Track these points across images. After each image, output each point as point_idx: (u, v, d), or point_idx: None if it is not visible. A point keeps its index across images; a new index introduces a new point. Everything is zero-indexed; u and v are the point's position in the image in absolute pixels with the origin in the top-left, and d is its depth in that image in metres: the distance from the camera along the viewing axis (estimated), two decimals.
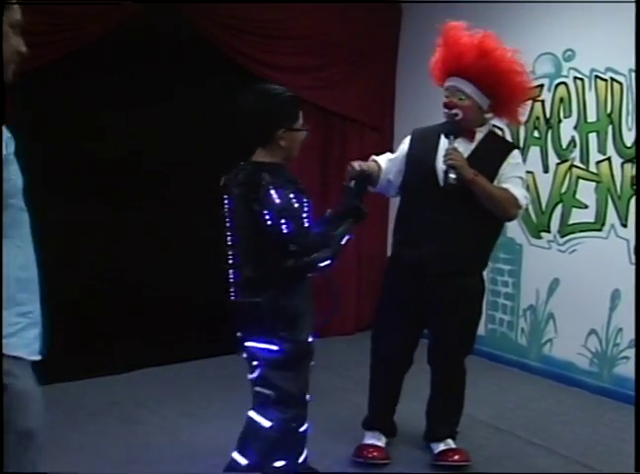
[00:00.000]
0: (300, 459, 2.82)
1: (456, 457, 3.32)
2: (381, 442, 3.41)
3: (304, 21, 4.89)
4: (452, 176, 3.02)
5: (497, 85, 3.11)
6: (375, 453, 3.32)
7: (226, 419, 3.78)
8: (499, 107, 3.24)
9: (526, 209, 4.66)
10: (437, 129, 3.24)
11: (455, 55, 3.09)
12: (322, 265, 2.62)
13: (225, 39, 4.48)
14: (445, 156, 3.05)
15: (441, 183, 3.10)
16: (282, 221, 2.52)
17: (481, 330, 4.92)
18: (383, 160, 3.31)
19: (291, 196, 2.58)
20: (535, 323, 4.71)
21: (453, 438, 3.42)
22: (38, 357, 1.88)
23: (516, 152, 3.24)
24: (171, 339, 4.81)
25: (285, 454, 2.73)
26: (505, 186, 3.12)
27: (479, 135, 3.19)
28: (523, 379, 4.60)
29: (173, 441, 3.43)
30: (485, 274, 4.84)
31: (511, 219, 3.37)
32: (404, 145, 3.33)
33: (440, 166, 3.11)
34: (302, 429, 2.78)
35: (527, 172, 4.64)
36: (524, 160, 4.67)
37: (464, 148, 3.14)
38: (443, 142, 3.15)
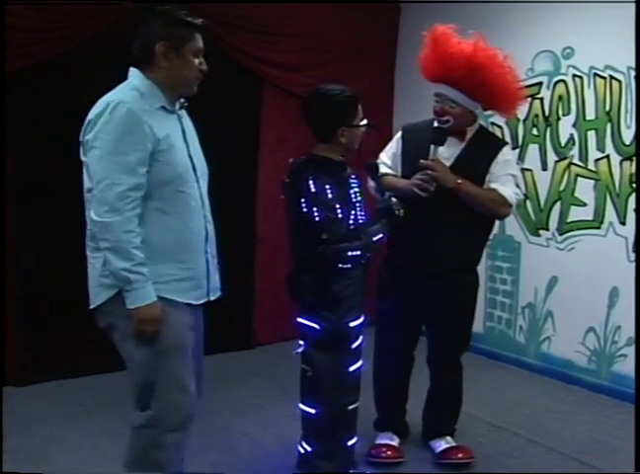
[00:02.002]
0: (350, 442, 2.90)
1: (460, 455, 3.32)
2: (395, 442, 3.41)
3: (303, 18, 4.88)
4: (431, 190, 3.04)
5: (488, 95, 3.09)
6: (389, 452, 3.32)
7: (223, 416, 3.79)
8: (491, 108, 3.30)
9: (525, 207, 4.69)
10: (427, 128, 3.21)
11: (445, 66, 3.03)
12: (350, 255, 2.72)
13: (223, 35, 4.46)
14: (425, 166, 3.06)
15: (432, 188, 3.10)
16: (314, 209, 2.66)
17: (479, 328, 4.96)
18: (387, 158, 3.32)
19: (327, 186, 2.69)
20: (534, 321, 4.71)
21: (452, 436, 3.43)
22: (191, 301, 2.43)
23: (505, 149, 3.23)
24: None
25: (331, 436, 2.83)
26: (493, 185, 3.12)
27: (469, 134, 3.19)
28: (522, 377, 4.60)
29: None
30: (483, 271, 4.90)
31: (501, 218, 3.42)
32: (397, 145, 3.31)
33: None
34: (352, 407, 2.86)
35: (526, 169, 4.68)
36: (523, 158, 4.70)
37: (454, 149, 3.15)
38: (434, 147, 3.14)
